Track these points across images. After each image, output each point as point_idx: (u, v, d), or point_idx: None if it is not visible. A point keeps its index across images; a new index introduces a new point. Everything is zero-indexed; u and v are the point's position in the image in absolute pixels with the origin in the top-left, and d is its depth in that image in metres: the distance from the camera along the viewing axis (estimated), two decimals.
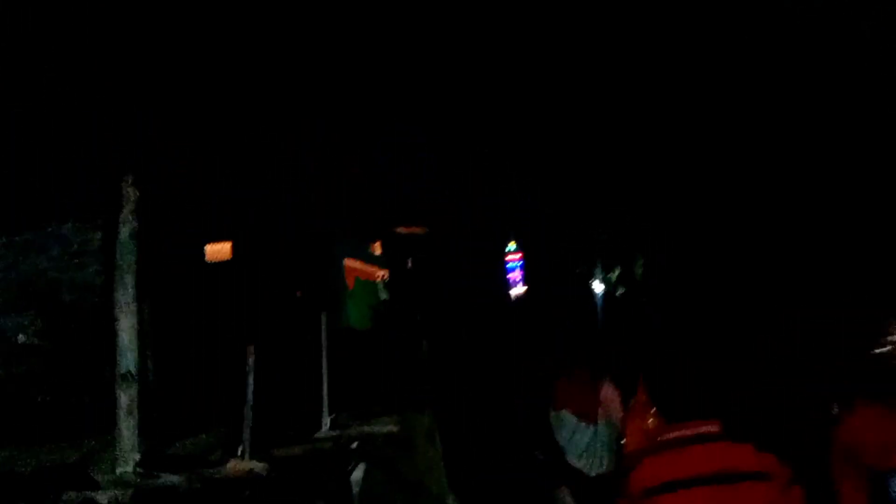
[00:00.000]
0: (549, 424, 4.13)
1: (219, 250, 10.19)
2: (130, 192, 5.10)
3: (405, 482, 3.54)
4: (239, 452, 4.01)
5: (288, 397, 4.39)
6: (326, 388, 3.41)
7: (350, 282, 10.22)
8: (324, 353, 3.60)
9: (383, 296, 10.11)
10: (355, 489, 3.11)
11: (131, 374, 3.85)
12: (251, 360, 4.16)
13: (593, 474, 3.96)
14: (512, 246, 22.58)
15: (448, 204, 11.99)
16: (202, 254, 10.26)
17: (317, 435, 3.48)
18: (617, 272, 17.77)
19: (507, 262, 22.50)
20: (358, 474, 3.10)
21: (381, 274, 11.16)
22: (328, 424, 3.45)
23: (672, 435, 2.27)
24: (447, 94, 10.83)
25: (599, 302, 18.00)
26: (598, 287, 18.54)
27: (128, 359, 4.44)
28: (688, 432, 2.24)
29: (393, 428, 3.27)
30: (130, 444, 4.20)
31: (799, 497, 2.20)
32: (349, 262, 10.28)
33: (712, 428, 2.25)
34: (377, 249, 11.71)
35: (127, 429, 4.23)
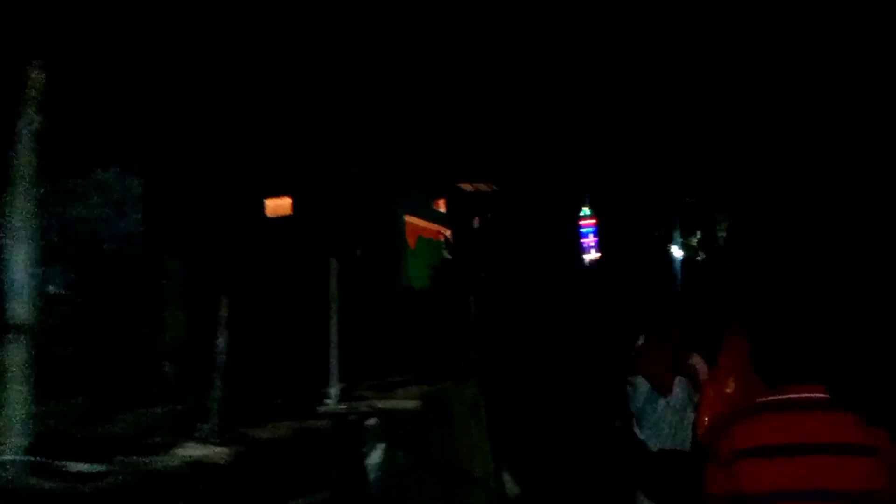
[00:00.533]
0: (624, 392, 3.77)
1: (279, 205, 9.70)
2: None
3: (439, 465, 2.82)
4: (198, 433, 2.85)
5: (295, 365, 3.55)
6: (336, 350, 2.66)
7: (412, 240, 9.53)
8: (334, 309, 2.83)
9: (445, 255, 9.33)
10: (372, 476, 2.42)
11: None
12: (224, 314, 3.11)
13: (656, 448, 3.62)
14: (586, 210, 21.59)
15: (518, 161, 11.09)
16: (262, 208, 9.79)
17: (320, 409, 2.73)
18: (698, 236, 16.42)
19: (580, 227, 21.57)
20: (375, 457, 2.42)
21: (445, 233, 10.40)
22: (336, 396, 2.70)
23: (772, 398, 2.05)
24: (517, 46, 9.88)
25: (678, 268, 16.73)
26: (677, 252, 17.24)
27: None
28: (790, 396, 2.04)
29: (415, 403, 2.56)
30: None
31: None
32: (411, 220, 9.55)
33: (817, 394, 2.04)
34: (441, 207, 10.91)
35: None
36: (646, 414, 3.66)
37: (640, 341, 3.99)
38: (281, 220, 9.56)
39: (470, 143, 9.51)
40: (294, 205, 9.32)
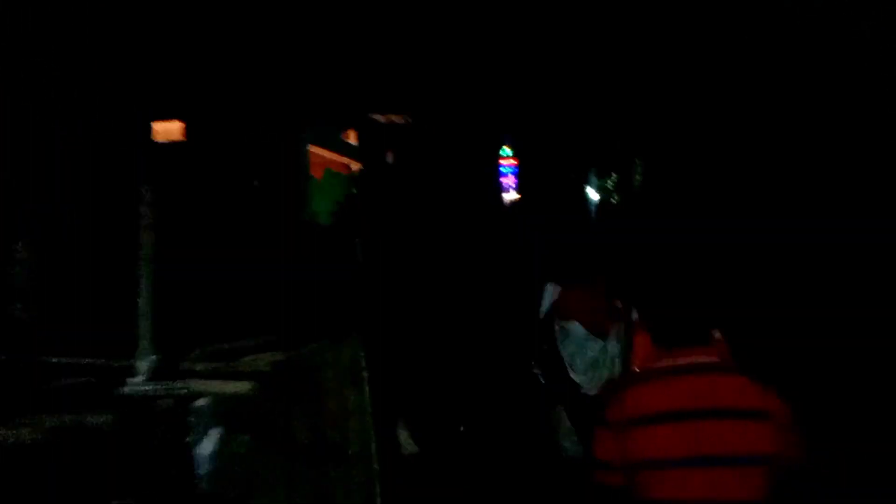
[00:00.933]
0: (546, 339, 3.70)
1: (169, 129, 8.58)
2: None
3: (301, 446, 2.23)
4: None
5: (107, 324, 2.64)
6: (149, 304, 1.95)
7: (318, 172, 8.70)
8: (146, 248, 2.08)
9: (353, 191, 8.56)
10: (203, 470, 1.81)
11: None
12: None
13: (594, 392, 3.48)
14: (507, 150, 21.18)
15: (436, 93, 10.29)
16: (149, 131, 8.61)
17: (118, 392, 2.04)
18: (614, 179, 16.27)
19: (500, 166, 21.16)
20: (207, 447, 1.80)
21: (354, 166, 9.59)
22: (146, 372, 2.03)
23: (662, 363, 2.01)
24: None
25: (594, 210, 16.62)
26: (593, 194, 17.08)
27: None
28: (680, 361, 1.99)
29: (249, 386, 1.91)
30: None
31: (798, 441, 1.97)
32: (317, 151, 8.69)
33: (709, 358, 2.01)
34: (352, 138, 10.05)
35: None
36: (582, 356, 3.56)
37: (557, 288, 3.91)
38: (171, 146, 8.48)
39: (383, 69, 8.64)
40: (186, 130, 8.26)
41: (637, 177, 15.32)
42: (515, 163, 21.82)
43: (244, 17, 7.74)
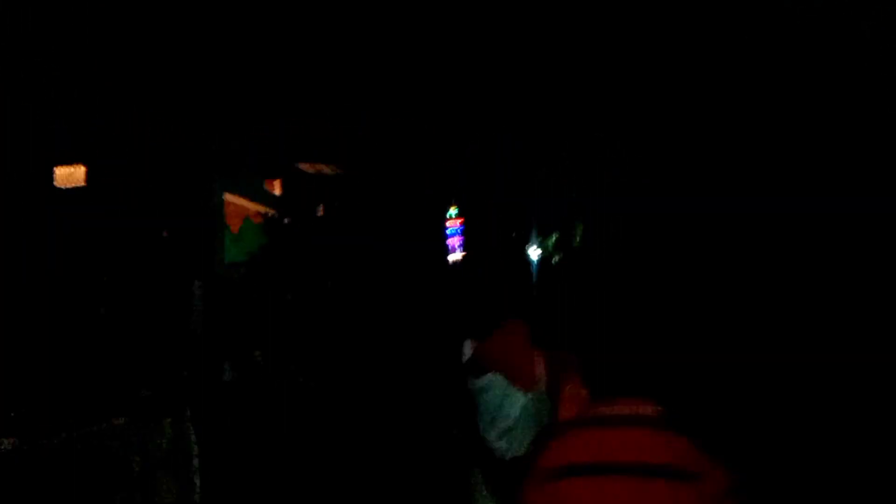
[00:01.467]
0: (465, 396, 3.34)
1: (71, 174, 7.72)
2: None
3: None
4: None
5: None
6: None
7: (237, 223, 7.92)
8: None
9: (261, 240, 7.71)
10: None
11: None
12: None
13: (509, 456, 3.16)
14: (453, 211, 20.83)
15: (372, 144, 9.71)
16: (50, 177, 7.73)
17: None
18: (554, 238, 15.94)
19: (446, 227, 20.76)
20: None
21: (265, 212, 8.80)
22: None
23: (593, 412, 1.83)
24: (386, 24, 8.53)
25: (535, 268, 16.17)
26: (534, 253, 16.68)
27: None
28: (612, 411, 1.80)
29: None
30: None
31: None
32: (236, 200, 7.93)
33: (643, 410, 1.79)
34: (276, 189, 9.32)
35: None
36: (503, 414, 3.22)
37: (472, 344, 3.60)
38: (72, 192, 7.59)
39: (313, 114, 8.01)
40: (88, 174, 7.41)
41: (577, 237, 15.03)
42: (460, 223, 21.50)
43: (157, 54, 7.08)
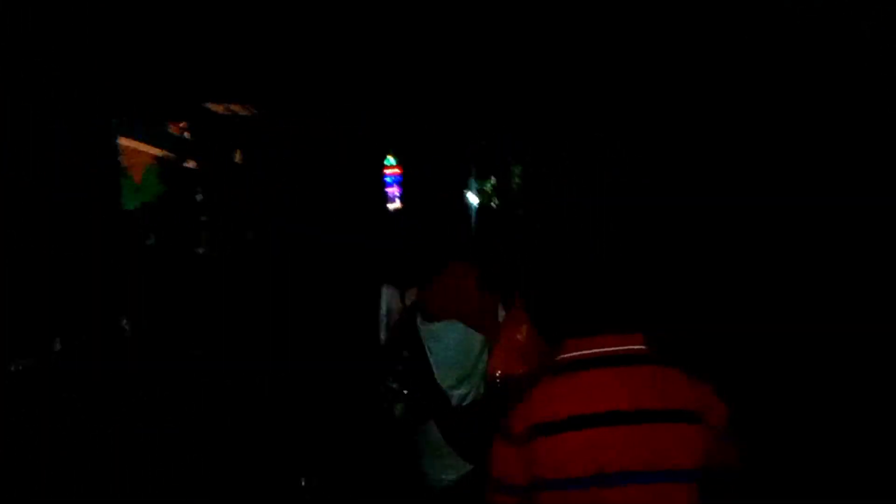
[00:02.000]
0: (406, 346, 3.11)
1: None
2: None
3: None
4: None
5: None
6: None
7: (139, 171, 6.85)
8: None
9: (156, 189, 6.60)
10: None
11: None
12: None
13: (467, 402, 2.95)
14: (391, 159, 19.98)
15: (299, 82, 8.59)
16: None
17: None
18: (492, 182, 15.35)
19: (384, 175, 19.92)
20: None
21: (189, 163, 7.76)
22: None
23: (576, 353, 1.61)
24: None
25: (474, 214, 15.59)
26: (473, 199, 16.06)
27: None
28: (597, 348, 1.58)
29: None
30: None
31: (735, 449, 1.61)
32: (136, 146, 6.82)
33: (632, 345, 1.60)
34: (184, 131, 8.20)
35: None
36: (463, 357, 3.01)
37: (395, 291, 3.55)
38: None
39: (223, 45, 6.90)
40: None
41: (516, 179, 14.45)
42: (399, 172, 20.71)
43: None
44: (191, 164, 8.00)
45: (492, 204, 15.74)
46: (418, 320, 3.14)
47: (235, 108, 7.49)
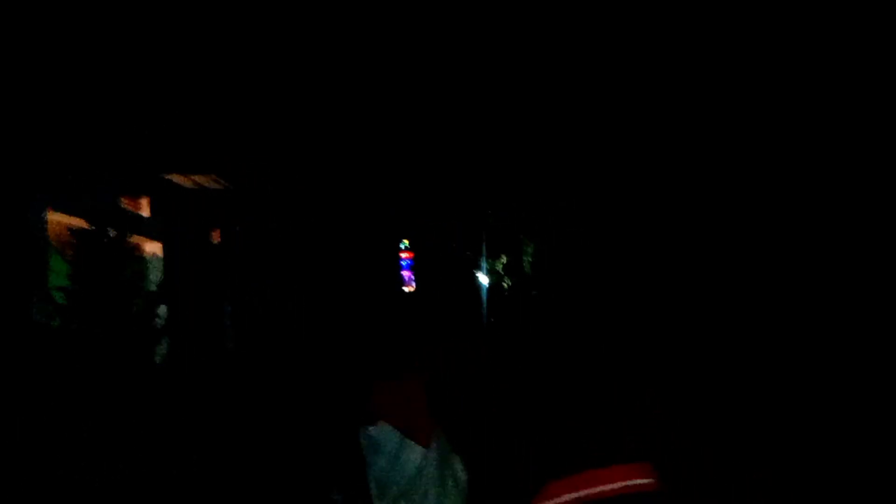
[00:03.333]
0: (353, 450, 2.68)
1: None
2: None
3: None
4: None
5: None
6: None
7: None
8: None
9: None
10: None
11: None
12: None
13: None
14: (404, 243, 19.01)
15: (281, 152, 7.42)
16: None
17: None
18: (503, 261, 14.03)
19: (400, 260, 18.95)
20: None
21: (149, 248, 6.45)
22: None
23: (583, 492, 1.29)
24: None
25: (484, 293, 14.16)
26: (483, 279, 14.68)
27: None
28: (605, 488, 1.28)
29: None
30: None
31: None
32: (75, 222, 5.51)
33: (641, 477, 1.31)
34: (143, 208, 6.92)
35: None
36: (397, 472, 2.59)
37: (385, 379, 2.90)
38: None
39: (189, 109, 5.75)
40: None
41: (526, 258, 13.18)
42: (411, 256, 19.78)
43: None
44: (152, 248, 6.72)
45: (503, 284, 14.38)
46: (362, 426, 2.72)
47: (201, 179, 6.29)
